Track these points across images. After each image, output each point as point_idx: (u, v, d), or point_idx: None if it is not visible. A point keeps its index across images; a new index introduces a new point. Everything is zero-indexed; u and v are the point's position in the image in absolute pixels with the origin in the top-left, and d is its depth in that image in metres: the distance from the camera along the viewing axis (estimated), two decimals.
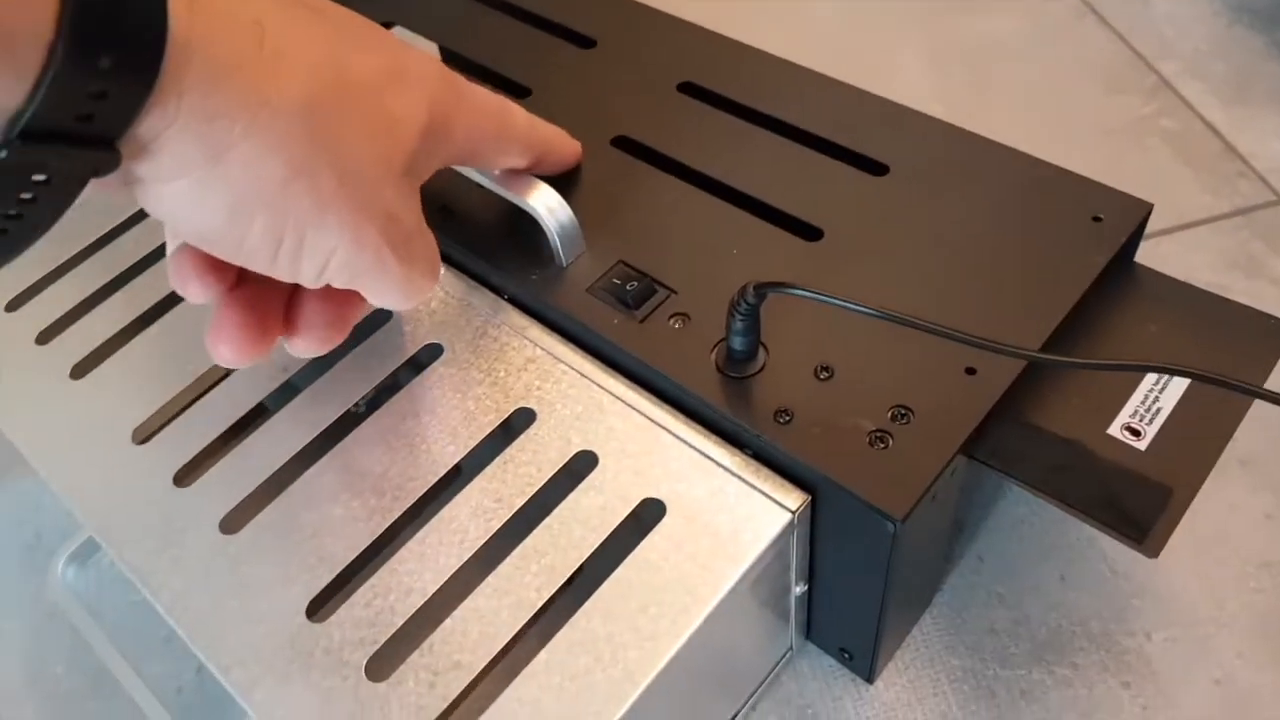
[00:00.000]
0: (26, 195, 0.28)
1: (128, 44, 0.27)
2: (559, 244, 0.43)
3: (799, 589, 0.42)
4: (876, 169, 0.47)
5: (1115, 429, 0.39)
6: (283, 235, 0.33)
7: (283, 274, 0.35)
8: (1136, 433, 0.39)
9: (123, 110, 0.28)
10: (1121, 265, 0.44)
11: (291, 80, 0.31)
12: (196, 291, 0.36)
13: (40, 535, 0.58)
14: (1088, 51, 0.79)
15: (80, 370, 0.46)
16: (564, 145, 0.47)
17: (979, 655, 0.48)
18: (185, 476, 0.41)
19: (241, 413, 0.43)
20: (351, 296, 0.38)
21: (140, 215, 0.52)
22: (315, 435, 0.41)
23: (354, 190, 0.33)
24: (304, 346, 0.39)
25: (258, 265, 0.34)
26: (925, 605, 0.50)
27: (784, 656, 0.47)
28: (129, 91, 0.27)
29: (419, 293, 0.38)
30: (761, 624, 0.43)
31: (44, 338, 0.48)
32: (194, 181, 0.31)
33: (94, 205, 0.53)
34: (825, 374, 0.39)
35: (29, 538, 0.58)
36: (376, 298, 0.37)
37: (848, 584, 0.41)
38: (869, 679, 0.47)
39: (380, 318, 0.45)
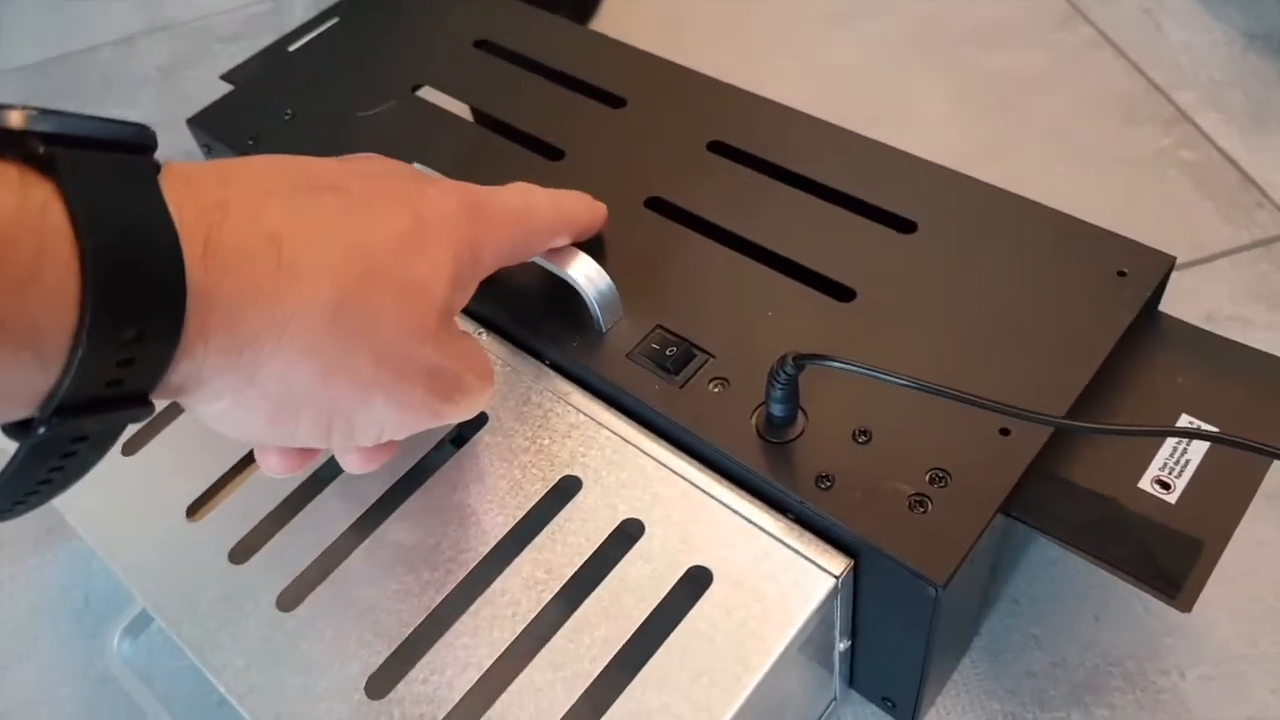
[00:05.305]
0: (70, 451, 0.29)
1: (149, 315, 0.27)
2: (599, 311, 0.44)
3: (843, 645, 0.43)
4: (904, 226, 0.47)
5: (1146, 482, 0.40)
6: (331, 423, 0.34)
7: (339, 449, 0.37)
8: (1166, 485, 0.39)
9: (151, 370, 0.28)
10: (1146, 317, 0.44)
11: (315, 285, 0.31)
12: (278, 469, 0.38)
13: (89, 600, 0.59)
14: (1105, 82, 0.80)
15: (131, 446, 0.47)
16: (591, 216, 0.46)
17: (1018, 698, 0.49)
18: (240, 553, 0.42)
19: (292, 488, 0.44)
20: None
21: None
22: (366, 509, 0.42)
23: (393, 365, 0.34)
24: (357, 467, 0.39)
25: (314, 446, 0.36)
26: (965, 649, 0.50)
27: (829, 707, 0.48)
28: (155, 354, 0.28)
29: (482, 408, 0.40)
30: (808, 679, 0.44)
31: None
32: (231, 403, 0.31)
33: None
34: (864, 438, 0.40)
35: (78, 603, 0.59)
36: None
37: (890, 640, 0.42)
38: None
39: None
